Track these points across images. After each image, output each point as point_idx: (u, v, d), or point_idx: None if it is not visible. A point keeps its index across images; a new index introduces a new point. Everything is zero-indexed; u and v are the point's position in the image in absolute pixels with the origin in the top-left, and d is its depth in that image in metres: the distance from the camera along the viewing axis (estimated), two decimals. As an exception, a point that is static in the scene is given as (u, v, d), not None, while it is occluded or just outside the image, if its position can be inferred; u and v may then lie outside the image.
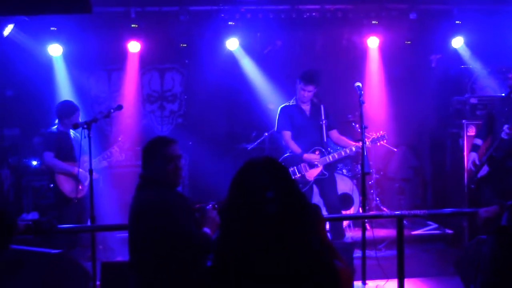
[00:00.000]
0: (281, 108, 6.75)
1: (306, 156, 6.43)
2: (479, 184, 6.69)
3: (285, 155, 6.68)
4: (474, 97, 7.86)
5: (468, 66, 8.41)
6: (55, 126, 6.62)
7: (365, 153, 5.61)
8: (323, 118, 6.54)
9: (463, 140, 7.51)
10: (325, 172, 6.47)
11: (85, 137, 5.60)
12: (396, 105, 8.79)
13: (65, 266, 4.81)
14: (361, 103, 5.71)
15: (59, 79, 8.33)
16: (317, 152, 6.46)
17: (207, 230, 3.46)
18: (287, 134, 6.61)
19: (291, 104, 6.70)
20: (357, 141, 6.25)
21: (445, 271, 6.13)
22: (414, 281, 5.62)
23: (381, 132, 6.55)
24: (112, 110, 6.13)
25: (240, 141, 8.70)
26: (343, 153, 6.47)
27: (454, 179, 7.79)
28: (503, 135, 6.27)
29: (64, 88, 8.24)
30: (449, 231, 7.68)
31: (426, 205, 8.91)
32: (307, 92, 6.51)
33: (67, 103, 6.78)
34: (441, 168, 8.58)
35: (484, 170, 6.60)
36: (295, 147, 6.52)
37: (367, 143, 6.22)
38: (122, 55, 8.51)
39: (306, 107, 6.67)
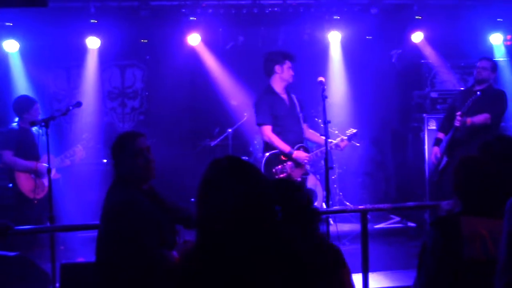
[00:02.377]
0: (260, 98, 6.09)
1: (296, 154, 5.88)
2: (440, 176, 6.77)
3: (268, 153, 5.98)
4: (435, 91, 8.00)
5: (428, 61, 8.53)
6: (15, 123, 6.45)
7: (328, 148, 5.57)
8: (299, 110, 6.08)
9: (424, 134, 7.63)
10: (309, 171, 6.11)
11: (43, 135, 5.49)
12: (357, 100, 8.84)
13: (23, 268, 4.68)
14: (323, 98, 5.68)
15: (16, 76, 8.10)
16: (301, 150, 5.99)
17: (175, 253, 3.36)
18: (269, 129, 5.94)
19: (269, 92, 6.07)
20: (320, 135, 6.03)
21: (408, 263, 6.18)
22: (378, 275, 5.64)
23: (352, 130, 6.21)
24: (70, 107, 5.99)
25: (203, 137, 8.61)
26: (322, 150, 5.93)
27: (416, 173, 7.90)
28: (455, 122, 6.35)
29: (21, 85, 8.01)
30: (412, 224, 7.77)
31: (388, 198, 8.99)
32: (292, 69, 6.03)
33: (23, 97, 6.67)
34: (403, 162, 8.70)
35: (444, 161, 6.69)
36: (282, 145, 5.87)
37: (345, 141, 6.06)
38: (81, 51, 8.33)
39: (284, 96, 6.09)
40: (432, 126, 7.57)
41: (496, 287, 2.48)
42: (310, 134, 6.33)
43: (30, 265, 4.72)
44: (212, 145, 8.20)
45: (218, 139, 8.19)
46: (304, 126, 6.22)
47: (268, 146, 6.01)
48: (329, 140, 5.95)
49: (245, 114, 8.15)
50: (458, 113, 6.33)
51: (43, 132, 5.49)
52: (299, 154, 5.91)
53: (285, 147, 5.89)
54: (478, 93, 6.40)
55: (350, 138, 6.14)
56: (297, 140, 6.01)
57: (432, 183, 7.10)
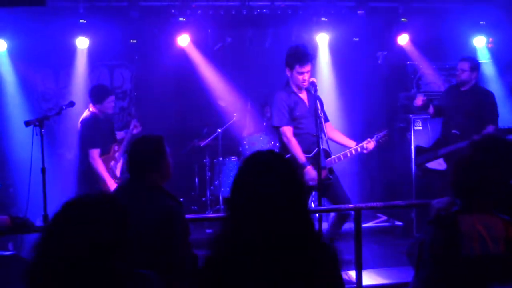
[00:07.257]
0: (278, 97, 5.69)
1: (307, 170, 5.49)
2: (426, 173, 6.88)
3: (289, 155, 5.54)
4: (421, 93, 8.13)
5: (413, 63, 8.68)
6: (88, 112, 6.50)
7: (321, 148, 5.53)
8: (320, 110, 5.57)
9: (411, 134, 7.77)
10: (330, 176, 5.68)
11: (37, 134, 5.49)
12: (344, 100, 8.92)
13: (19, 268, 4.68)
14: (315, 98, 5.72)
15: (4, 75, 8.08)
16: (322, 154, 5.46)
17: None
18: (289, 131, 5.62)
19: (288, 91, 5.73)
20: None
21: (397, 261, 6.30)
22: (369, 272, 5.75)
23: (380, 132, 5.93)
24: (63, 107, 6.01)
25: (191, 137, 8.64)
26: (348, 154, 5.75)
27: (402, 172, 8.02)
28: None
29: (10, 85, 8.00)
30: (399, 223, 7.88)
31: (374, 198, 9.10)
32: (306, 73, 5.60)
33: (100, 86, 6.85)
34: (389, 162, 8.81)
35: (441, 165, 6.77)
36: (300, 153, 5.55)
37: (372, 142, 5.76)
38: (70, 51, 8.31)
39: (304, 96, 5.78)
40: (418, 126, 7.72)
41: None
42: (335, 134, 6.03)
43: (25, 264, 4.73)
44: (202, 145, 8.25)
45: (208, 140, 8.23)
46: (327, 124, 5.89)
47: (285, 147, 5.67)
48: (354, 143, 5.83)
49: (235, 114, 8.22)
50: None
51: (37, 132, 5.49)
52: (310, 173, 5.49)
53: (301, 157, 5.56)
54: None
55: (378, 138, 5.85)
56: (315, 143, 5.49)
57: (417, 176, 7.19)
